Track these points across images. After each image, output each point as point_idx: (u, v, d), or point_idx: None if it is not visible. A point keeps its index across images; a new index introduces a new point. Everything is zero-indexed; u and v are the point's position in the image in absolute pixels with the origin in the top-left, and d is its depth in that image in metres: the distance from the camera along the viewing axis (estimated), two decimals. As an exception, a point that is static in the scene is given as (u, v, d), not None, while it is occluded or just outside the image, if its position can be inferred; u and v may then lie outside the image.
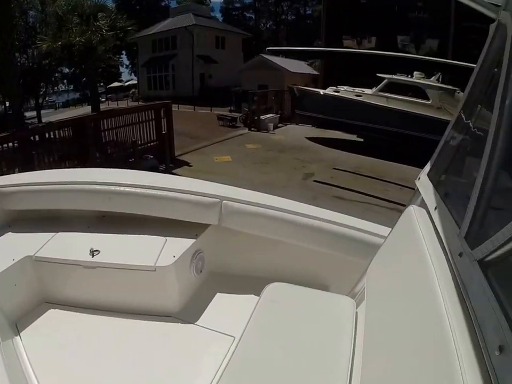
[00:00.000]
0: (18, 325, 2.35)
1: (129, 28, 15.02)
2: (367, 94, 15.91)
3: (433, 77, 16.01)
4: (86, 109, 37.45)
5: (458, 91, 15.02)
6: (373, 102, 15.47)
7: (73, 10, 14.59)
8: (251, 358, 1.69)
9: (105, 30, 13.60)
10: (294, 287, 2.13)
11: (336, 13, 25.41)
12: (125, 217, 2.90)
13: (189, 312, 2.48)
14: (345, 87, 16.80)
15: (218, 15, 63.64)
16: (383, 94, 15.56)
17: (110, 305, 2.49)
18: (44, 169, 9.47)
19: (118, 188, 2.81)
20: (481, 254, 1.12)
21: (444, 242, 1.44)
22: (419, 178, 2.01)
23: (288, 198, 8.59)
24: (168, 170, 11.99)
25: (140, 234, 2.76)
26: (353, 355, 1.68)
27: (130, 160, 11.76)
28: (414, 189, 7.04)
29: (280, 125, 21.06)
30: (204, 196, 2.67)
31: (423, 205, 1.83)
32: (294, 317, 1.94)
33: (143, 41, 41.05)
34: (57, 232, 2.83)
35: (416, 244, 1.55)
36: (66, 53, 14.17)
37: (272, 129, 19.55)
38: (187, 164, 12.92)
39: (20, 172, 9.44)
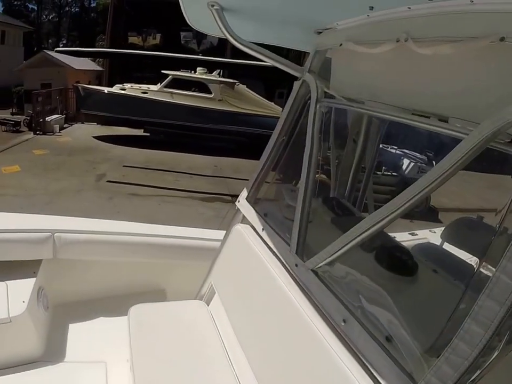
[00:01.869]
0: None
1: None
2: (153, 91, 16.08)
3: (215, 72, 16.87)
4: None
5: (237, 83, 16.20)
6: (158, 98, 15.74)
7: None
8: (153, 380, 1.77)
9: None
10: (154, 304, 2.19)
11: (122, 9, 24.96)
12: None
13: (52, 351, 2.29)
14: (130, 85, 16.76)
15: (-1, 5, 56.85)
16: (168, 90, 15.93)
17: None
18: None
19: None
20: (313, 265, 1.55)
21: (279, 256, 1.76)
22: (239, 201, 2.23)
23: (85, 202, 8.40)
24: None
25: None
26: (225, 347, 1.94)
27: None
28: (200, 175, 9.69)
29: (66, 125, 19.86)
30: (35, 232, 2.45)
31: (246, 222, 2.11)
32: (167, 333, 1.99)
33: None
34: None
35: (254, 256, 1.85)
36: None
37: (58, 131, 18.26)
38: (-32, 180, 11.30)
39: None
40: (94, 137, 17.09)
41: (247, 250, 1.96)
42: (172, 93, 15.80)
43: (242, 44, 1.69)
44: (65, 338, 2.43)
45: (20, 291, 2.31)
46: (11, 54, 36.85)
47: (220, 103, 15.79)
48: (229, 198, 10.03)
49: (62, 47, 49.07)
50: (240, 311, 1.90)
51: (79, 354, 2.30)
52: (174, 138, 15.74)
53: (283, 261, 1.74)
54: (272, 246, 1.85)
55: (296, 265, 1.65)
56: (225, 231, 2.39)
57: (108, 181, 11.02)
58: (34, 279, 2.44)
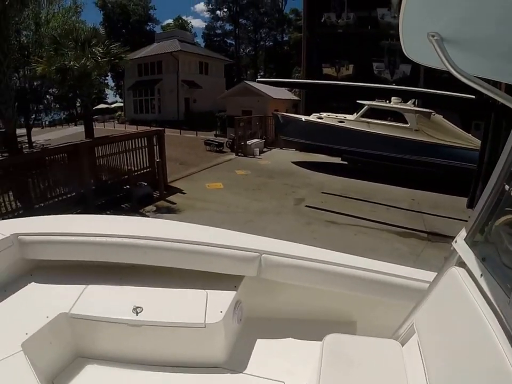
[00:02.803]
0: (55, 382, 2.16)
1: (123, 56, 14.68)
2: (349, 120, 16.04)
3: (410, 101, 16.27)
4: (73, 129, 37.12)
5: (433, 113, 15.36)
6: (355, 128, 15.61)
7: (68, 34, 14.28)
8: None
9: (100, 56, 13.28)
10: (349, 337, 2.11)
11: (315, 42, 25.84)
12: (158, 268, 2.73)
13: (235, 360, 2.37)
14: (327, 114, 16.92)
15: (200, 41, 63.89)
16: (364, 119, 15.74)
17: (154, 359, 2.34)
18: (38, 195, 9.30)
19: (155, 243, 2.63)
20: None
21: (496, 307, 1.50)
22: (456, 241, 2.02)
23: (284, 224, 8.53)
24: (162, 198, 11.73)
25: (179, 288, 2.61)
26: None
27: (125, 187, 11.48)
28: (397, 207, 9.07)
29: (265, 149, 20.98)
30: (245, 251, 2.58)
31: (462, 266, 1.89)
32: (358, 368, 1.88)
33: (129, 65, 40.56)
34: (87, 284, 2.62)
35: (467, 303, 1.63)
36: (60, 76, 13.83)
37: (258, 154, 19.43)
38: (180, 191, 12.59)
39: (13, 196, 9.21)
40: (292, 162, 17.64)
41: (460, 295, 1.72)
42: (368, 122, 15.58)
43: (464, 77, 1.39)
44: (251, 352, 2.44)
45: (219, 301, 2.45)
46: (214, 84, 40.88)
47: (416, 133, 15.05)
48: (425, 235, 9.36)
49: (259, 78, 52.59)
50: (440, 359, 1.64)
51: (260, 369, 2.30)
52: (371, 168, 15.51)
53: (500, 313, 1.47)
54: (489, 295, 1.58)
55: None
56: (433, 273, 2.24)
57: (306, 206, 11.11)
58: (235, 292, 2.55)
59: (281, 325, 2.66)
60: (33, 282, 2.67)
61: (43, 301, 2.45)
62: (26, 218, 3.43)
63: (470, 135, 15.78)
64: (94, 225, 3.03)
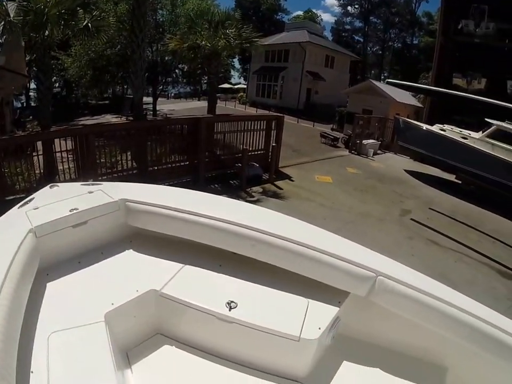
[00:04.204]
0: (129, 354, 2.17)
1: (255, 40, 15.00)
2: (473, 138, 14.86)
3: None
4: (195, 103, 38.83)
5: None
6: (478, 147, 14.39)
7: (202, 15, 15.04)
8: None
9: (232, 38, 13.74)
10: None
11: (448, 49, 24.41)
12: (262, 264, 2.54)
13: (317, 378, 2.21)
14: (451, 127, 15.92)
15: (328, 35, 63.25)
16: (489, 140, 14.42)
17: (233, 355, 2.24)
18: (153, 159, 9.85)
19: (265, 237, 2.45)
20: None
21: None
22: None
23: (385, 233, 8.28)
24: (270, 181, 11.94)
25: (280, 290, 2.44)
26: None
27: (237, 164, 11.81)
28: (505, 244, 8.32)
29: (379, 151, 20.44)
30: (360, 267, 2.33)
31: None
32: None
33: (261, 50, 41.42)
34: (185, 264, 2.57)
35: None
36: (192, 53, 14.54)
37: (371, 155, 18.94)
38: (289, 177, 12.73)
39: (131, 156, 9.93)
40: (405, 170, 17.04)
41: None
42: (493, 144, 14.22)
43: None
44: (335, 372, 2.25)
45: (319, 315, 2.26)
46: (338, 78, 40.60)
47: None
48: None
49: (383, 78, 51.17)
50: None
51: None
52: (486, 193, 14.32)
53: None
54: None
55: None
56: None
57: (411, 219, 10.65)
58: (337, 309, 2.32)
59: (372, 352, 2.44)
60: (131, 250, 2.71)
61: (137, 273, 2.45)
62: (136, 184, 3.37)
63: None
64: (203, 204, 2.87)
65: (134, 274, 2.44)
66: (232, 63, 57.68)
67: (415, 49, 59.65)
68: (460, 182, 15.80)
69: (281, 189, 11.50)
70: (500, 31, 23.03)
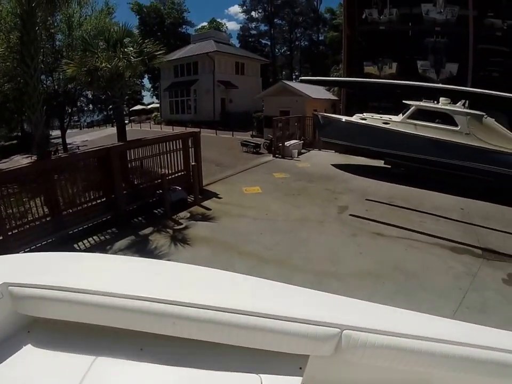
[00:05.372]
0: None
1: (158, 54, 14.19)
2: (395, 122, 15.08)
3: (459, 103, 15.20)
4: (110, 130, 37.52)
5: (485, 116, 14.29)
6: (401, 130, 14.68)
7: (100, 35, 14.11)
8: None
9: (132, 56, 12.84)
10: None
11: (356, 40, 25.05)
12: (193, 341, 1.85)
13: None
14: (371, 115, 16.04)
15: (235, 42, 64.00)
16: (411, 121, 14.75)
17: None
18: (66, 201, 8.85)
19: (189, 311, 1.76)
20: None
21: None
22: None
23: (327, 235, 7.77)
24: (197, 203, 11.14)
25: (222, 370, 1.75)
26: None
27: (158, 191, 10.93)
28: (448, 218, 8.36)
29: (303, 150, 20.25)
30: (320, 326, 1.73)
31: None
32: None
33: (165, 66, 40.85)
34: (97, 356, 1.84)
35: None
36: (91, 78, 13.53)
37: (296, 156, 18.64)
38: (216, 195, 11.98)
39: (42, 201, 8.78)
40: (332, 164, 16.82)
41: None
42: (415, 124, 14.61)
43: None
44: None
45: None
46: (250, 84, 40.91)
47: (466, 137, 14.04)
48: (479, 251, 8.54)
49: (294, 78, 52.31)
50: None
51: None
52: (416, 173, 14.58)
53: None
54: None
55: None
56: None
57: (350, 215, 10.29)
58: (300, 378, 1.73)
59: None
60: (29, 345, 1.95)
61: (40, 374, 1.76)
62: (17, 255, 2.81)
63: None
64: (106, 275, 2.23)
65: (37, 378, 1.73)
66: (142, 83, 56.82)
67: (322, 45, 61.74)
68: (390, 166, 15.80)
69: (209, 209, 10.77)
70: (402, 15, 24.11)
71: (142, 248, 8.25)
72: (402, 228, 9.43)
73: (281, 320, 1.72)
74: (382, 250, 8.27)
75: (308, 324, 1.72)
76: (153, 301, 1.80)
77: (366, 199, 11.77)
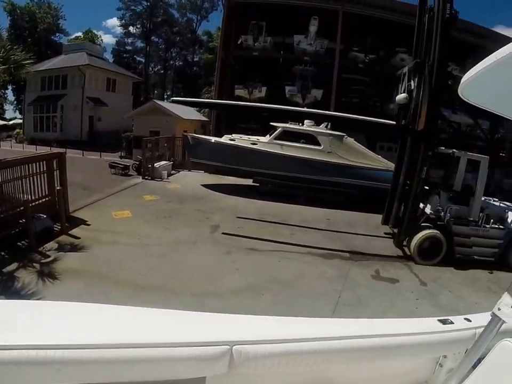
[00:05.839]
0: None
1: (26, 62, 12.80)
2: (263, 142, 15.96)
3: (322, 124, 16.60)
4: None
5: (345, 136, 15.91)
6: (269, 150, 15.61)
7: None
8: None
9: (-4, 63, 11.52)
10: None
11: (229, 63, 25.91)
12: None
13: None
14: (239, 136, 16.74)
15: (109, 56, 61.51)
16: (278, 141, 15.78)
17: None
18: None
19: (73, 353, 1.52)
20: None
21: None
22: (499, 309, 1.82)
23: (201, 256, 7.84)
24: (64, 232, 10.28)
25: None
26: None
27: (21, 221, 9.81)
28: (315, 228, 9.58)
29: (173, 172, 20.21)
30: (209, 345, 1.71)
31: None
32: None
33: (32, 78, 37.36)
34: None
35: None
36: None
37: (166, 177, 18.51)
38: (84, 222, 11.17)
39: None
40: (202, 185, 16.98)
41: None
42: (281, 144, 15.64)
43: None
44: None
45: None
46: (121, 102, 39.38)
47: (329, 155, 15.56)
48: (347, 254, 9.69)
49: (166, 97, 51.92)
50: None
51: None
52: (284, 190, 15.51)
53: None
54: None
55: None
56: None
57: (223, 233, 10.53)
58: None
59: None
60: None
61: None
62: None
63: (380, 156, 16.47)
64: None
65: None
66: (5, 94, 51.67)
67: (196, 66, 62.36)
68: (258, 184, 16.57)
69: (78, 238, 10.00)
70: (276, 44, 26.00)
71: (6, 289, 7.29)
72: (275, 242, 9.94)
73: (168, 347, 1.65)
74: (257, 264, 8.60)
75: (196, 346, 1.69)
76: (27, 348, 1.51)
77: (237, 217, 12.10)
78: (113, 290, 7.15)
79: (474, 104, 1.82)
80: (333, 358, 1.92)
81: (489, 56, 1.41)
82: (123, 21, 64.26)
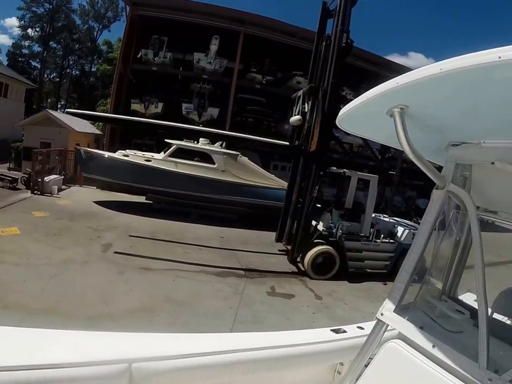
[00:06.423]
0: None
1: None
2: (157, 159, 15.96)
3: (217, 143, 16.94)
4: None
5: (240, 155, 16.32)
6: (162, 167, 15.63)
7: None
8: None
9: None
10: None
11: (127, 77, 25.62)
12: None
13: None
14: (134, 152, 16.63)
15: (4, 59, 57.00)
16: (172, 159, 15.86)
17: None
18: None
19: None
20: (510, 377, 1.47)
21: (463, 374, 1.59)
22: (382, 314, 1.99)
23: (93, 276, 7.74)
24: None
25: None
26: None
27: None
28: (211, 247, 10.57)
29: (64, 186, 19.30)
30: (106, 364, 1.69)
31: (401, 338, 1.91)
32: None
33: None
34: None
35: (427, 377, 1.66)
36: None
37: (56, 192, 17.65)
38: (-35, 240, 10.30)
39: None
40: (94, 201, 16.46)
41: (414, 370, 1.76)
42: (176, 162, 15.73)
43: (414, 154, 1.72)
44: None
45: None
46: (12, 109, 36.56)
47: (223, 173, 15.87)
48: (242, 272, 9.93)
49: (60, 107, 49.47)
50: None
51: None
52: (177, 207, 15.60)
53: (469, 377, 1.59)
54: (450, 363, 1.67)
55: (490, 379, 1.53)
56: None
57: (115, 252, 10.29)
58: None
59: None
60: None
61: None
62: None
63: (273, 175, 17.20)
64: None
65: None
66: None
67: (93, 76, 59.77)
68: (151, 202, 16.54)
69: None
70: (175, 60, 26.23)
71: None
72: (168, 260, 9.93)
73: (68, 367, 1.62)
74: (151, 284, 8.53)
75: (95, 365, 1.67)
76: None
77: (130, 235, 11.93)
78: (2, 316, 6.55)
79: (350, 132, 2.32)
80: (233, 370, 2.04)
81: (358, 97, 1.72)
82: (22, 22, 60.00)
